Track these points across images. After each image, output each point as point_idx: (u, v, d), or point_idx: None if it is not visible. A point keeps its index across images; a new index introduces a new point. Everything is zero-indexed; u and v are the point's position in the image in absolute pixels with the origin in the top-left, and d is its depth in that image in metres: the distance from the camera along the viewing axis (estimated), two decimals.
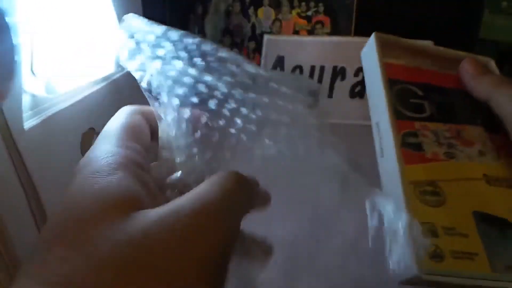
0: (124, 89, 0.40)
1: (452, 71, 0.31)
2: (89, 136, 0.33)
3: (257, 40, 0.64)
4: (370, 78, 0.28)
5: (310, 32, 0.64)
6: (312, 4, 0.63)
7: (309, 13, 0.63)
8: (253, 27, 0.64)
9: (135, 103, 0.42)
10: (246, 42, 0.64)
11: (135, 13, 0.46)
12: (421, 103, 0.28)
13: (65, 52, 0.30)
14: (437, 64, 0.31)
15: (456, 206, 0.23)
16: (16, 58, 0.23)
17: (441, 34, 0.60)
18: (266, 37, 0.62)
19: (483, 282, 0.20)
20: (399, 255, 0.18)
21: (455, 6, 0.64)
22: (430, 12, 0.63)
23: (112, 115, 0.39)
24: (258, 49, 0.64)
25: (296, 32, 0.64)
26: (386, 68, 0.28)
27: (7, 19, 0.22)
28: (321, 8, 0.63)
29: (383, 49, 0.29)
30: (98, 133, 0.34)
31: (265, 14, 0.63)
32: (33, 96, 0.27)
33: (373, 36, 0.30)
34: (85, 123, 0.33)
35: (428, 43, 0.35)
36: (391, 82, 0.27)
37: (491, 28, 0.68)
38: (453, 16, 0.64)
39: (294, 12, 0.63)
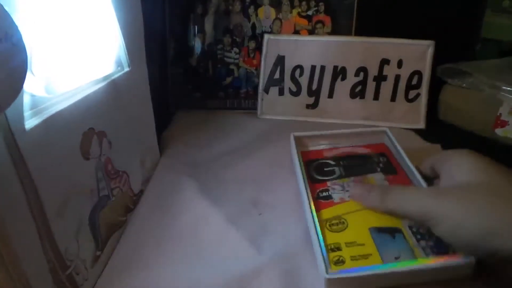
0: (124, 89, 0.40)
1: (360, 143, 0.47)
2: (89, 136, 0.33)
3: (258, 39, 0.64)
4: (295, 162, 0.45)
5: (311, 32, 0.63)
6: (312, 3, 0.62)
7: (310, 12, 0.63)
8: (254, 26, 0.63)
9: (135, 103, 0.42)
10: (246, 42, 0.64)
11: (135, 13, 0.46)
12: (333, 169, 0.43)
13: (65, 52, 0.30)
14: (349, 139, 0.48)
15: (356, 227, 0.34)
16: (25, 77, 0.23)
17: (443, 34, 0.60)
18: (266, 36, 0.61)
19: (377, 271, 0.30)
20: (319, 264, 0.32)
21: (457, 6, 0.64)
22: (431, 12, 0.63)
23: (112, 115, 0.40)
24: (258, 49, 0.64)
25: (296, 32, 0.63)
26: (306, 154, 0.46)
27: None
28: (322, 8, 0.63)
29: (308, 140, 0.48)
30: (98, 133, 0.34)
31: (265, 13, 0.63)
32: (33, 96, 0.27)
33: (291, 136, 0.48)
34: (85, 123, 0.32)
35: (341, 132, 0.49)
36: (309, 162, 0.44)
37: (493, 27, 0.67)
38: (454, 15, 0.64)
39: (294, 11, 0.63)
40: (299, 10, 0.63)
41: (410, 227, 0.33)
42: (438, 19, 0.61)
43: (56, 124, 0.28)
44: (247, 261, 0.35)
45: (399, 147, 0.44)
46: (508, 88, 0.52)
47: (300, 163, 0.43)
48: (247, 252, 0.36)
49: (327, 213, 0.36)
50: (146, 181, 0.47)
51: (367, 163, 0.44)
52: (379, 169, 0.42)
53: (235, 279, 0.33)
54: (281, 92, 0.63)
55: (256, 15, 0.63)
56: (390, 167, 0.42)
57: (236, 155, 0.53)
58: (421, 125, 0.61)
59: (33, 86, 0.27)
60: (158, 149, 0.53)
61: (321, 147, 0.48)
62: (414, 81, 0.60)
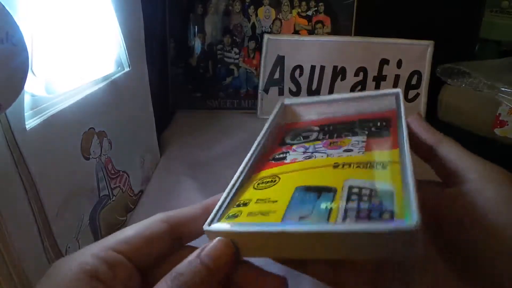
0: (124, 89, 0.40)
1: (367, 110, 0.34)
2: (90, 136, 0.33)
3: (257, 39, 0.64)
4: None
5: (311, 32, 0.64)
6: (312, 3, 0.63)
7: (310, 12, 0.63)
8: (253, 26, 0.64)
9: (135, 103, 0.42)
10: (246, 42, 0.64)
11: (135, 13, 0.46)
12: (311, 134, 0.32)
13: (65, 52, 0.31)
14: (354, 106, 0.35)
15: (283, 185, 0.26)
16: (26, 77, 0.23)
17: (442, 34, 0.60)
18: (266, 36, 0.62)
19: (263, 229, 0.22)
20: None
21: (456, 6, 0.64)
22: (430, 12, 0.63)
23: (112, 115, 0.39)
24: (258, 49, 0.64)
25: (296, 32, 0.64)
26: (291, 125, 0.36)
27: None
28: (322, 8, 0.63)
29: (303, 108, 0.37)
30: (98, 133, 0.34)
31: (265, 13, 0.63)
32: (33, 96, 0.27)
33: (279, 104, 0.37)
34: (85, 123, 0.33)
35: (344, 97, 0.35)
36: (288, 130, 0.35)
37: (492, 28, 0.68)
38: (453, 16, 0.64)
39: (294, 11, 0.63)
40: (299, 10, 0.63)
41: (352, 188, 0.24)
42: (437, 19, 0.62)
43: (57, 124, 0.28)
44: None
45: (402, 108, 0.31)
46: (507, 89, 0.53)
47: (266, 129, 0.34)
48: None
49: (266, 172, 0.28)
50: (146, 181, 0.47)
51: (357, 126, 0.32)
52: (366, 132, 0.31)
53: None
54: (281, 92, 0.63)
55: (256, 15, 0.63)
56: (383, 131, 0.31)
57: (236, 155, 0.53)
58: None
59: (33, 86, 0.27)
60: (158, 149, 0.53)
61: (314, 116, 0.35)
62: (414, 81, 0.61)
